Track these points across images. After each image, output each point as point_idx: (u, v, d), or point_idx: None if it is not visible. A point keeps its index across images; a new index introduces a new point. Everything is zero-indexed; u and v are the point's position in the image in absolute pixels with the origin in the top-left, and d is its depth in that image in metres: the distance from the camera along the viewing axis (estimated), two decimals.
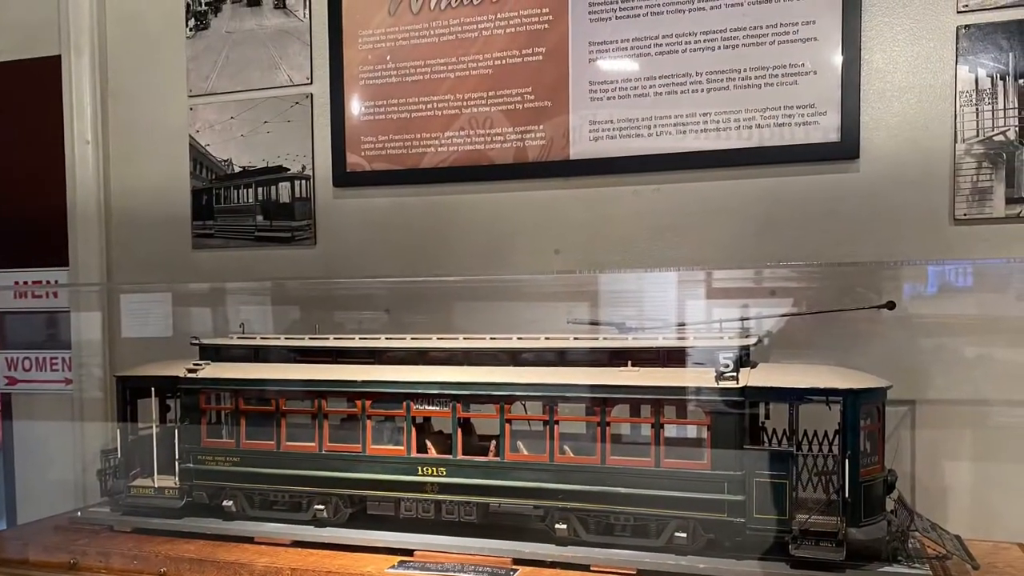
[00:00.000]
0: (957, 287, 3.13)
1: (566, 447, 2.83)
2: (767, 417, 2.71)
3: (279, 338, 3.36)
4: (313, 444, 3.08)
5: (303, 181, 3.94)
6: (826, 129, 3.19)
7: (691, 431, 2.78)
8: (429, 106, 3.69)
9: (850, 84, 3.16)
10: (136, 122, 4.28)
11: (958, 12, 3.06)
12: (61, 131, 4.28)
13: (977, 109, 3.05)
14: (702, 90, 3.34)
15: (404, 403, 2.97)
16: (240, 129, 4.05)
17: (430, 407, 2.97)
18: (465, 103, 3.64)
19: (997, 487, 3.07)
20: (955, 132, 3.07)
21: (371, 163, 3.80)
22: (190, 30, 4.14)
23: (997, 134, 3.03)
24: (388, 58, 3.76)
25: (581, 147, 3.49)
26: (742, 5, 3.27)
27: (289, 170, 3.96)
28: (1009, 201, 3.02)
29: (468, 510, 2.93)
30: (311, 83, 3.93)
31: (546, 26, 3.52)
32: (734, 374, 2.62)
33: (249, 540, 3.07)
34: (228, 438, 3.22)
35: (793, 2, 3.21)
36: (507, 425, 2.87)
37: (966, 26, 3.05)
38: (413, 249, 3.77)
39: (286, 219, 3.97)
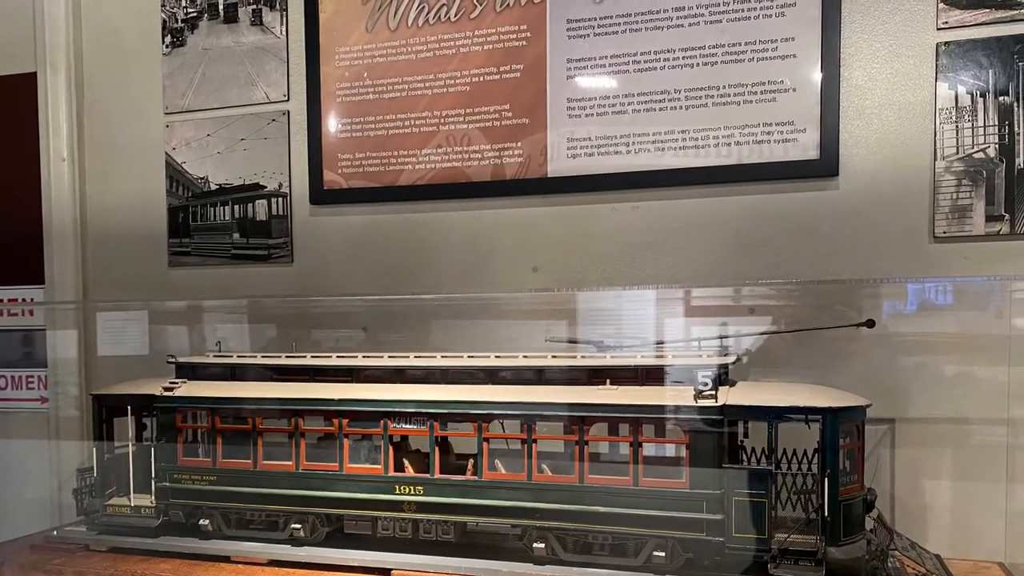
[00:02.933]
0: (937, 305, 3.13)
1: (544, 466, 2.81)
2: (746, 436, 2.70)
3: (256, 356, 3.33)
4: (290, 463, 3.06)
5: (280, 199, 3.93)
6: (805, 146, 3.19)
7: (670, 450, 2.77)
8: (406, 123, 3.68)
9: (829, 101, 3.16)
10: (112, 139, 4.26)
11: (938, 29, 3.06)
12: (37, 148, 4.26)
13: (957, 126, 3.05)
14: (681, 107, 3.33)
15: (381, 421, 2.96)
16: (216, 146, 4.04)
17: (407, 425, 2.95)
18: (443, 120, 3.63)
19: (977, 506, 3.06)
20: (935, 149, 3.07)
21: (348, 180, 3.79)
22: (166, 47, 4.13)
23: (977, 151, 3.03)
24: (365, 75, 3.75)
25: (559, 164, 3.48)
26: (721, 22, 3.27)
27: (266, 188, 3.95)
28: (989, 219, 3.02)
29: (446, 529, 2.92)
30: (288, 100, 3.92)
31: (524, 43, 3.51)
32: (713, 392, 2.60)
33: (225, 559, 3.05)
34: (204, 457, 3.21)
35: (772, 19, 3.21)
36: (485, 444, 2.85)
37: (946, 43, 3.05)
38: (390, 267, 3.76)
39: (263, 237, 3.95)
